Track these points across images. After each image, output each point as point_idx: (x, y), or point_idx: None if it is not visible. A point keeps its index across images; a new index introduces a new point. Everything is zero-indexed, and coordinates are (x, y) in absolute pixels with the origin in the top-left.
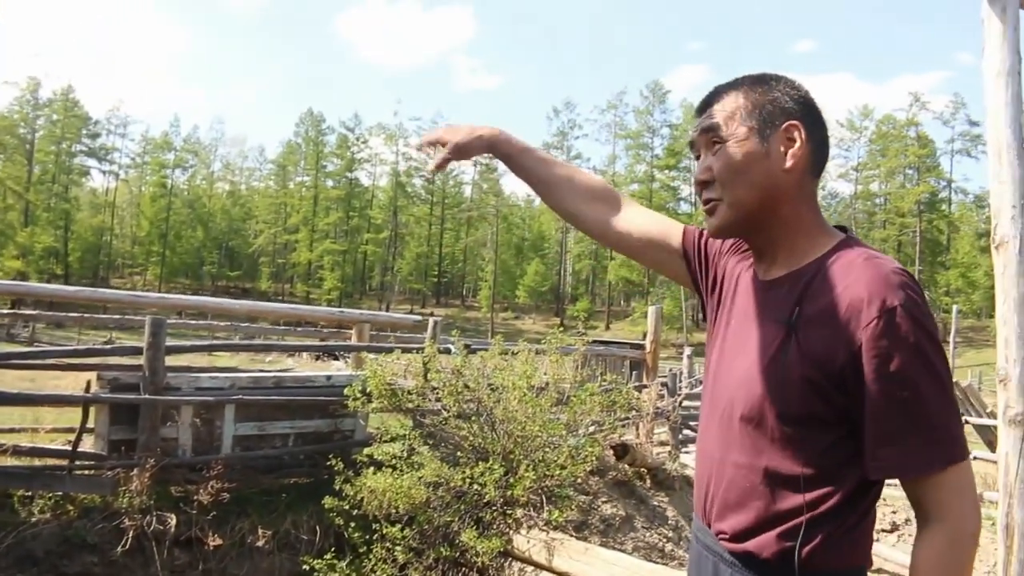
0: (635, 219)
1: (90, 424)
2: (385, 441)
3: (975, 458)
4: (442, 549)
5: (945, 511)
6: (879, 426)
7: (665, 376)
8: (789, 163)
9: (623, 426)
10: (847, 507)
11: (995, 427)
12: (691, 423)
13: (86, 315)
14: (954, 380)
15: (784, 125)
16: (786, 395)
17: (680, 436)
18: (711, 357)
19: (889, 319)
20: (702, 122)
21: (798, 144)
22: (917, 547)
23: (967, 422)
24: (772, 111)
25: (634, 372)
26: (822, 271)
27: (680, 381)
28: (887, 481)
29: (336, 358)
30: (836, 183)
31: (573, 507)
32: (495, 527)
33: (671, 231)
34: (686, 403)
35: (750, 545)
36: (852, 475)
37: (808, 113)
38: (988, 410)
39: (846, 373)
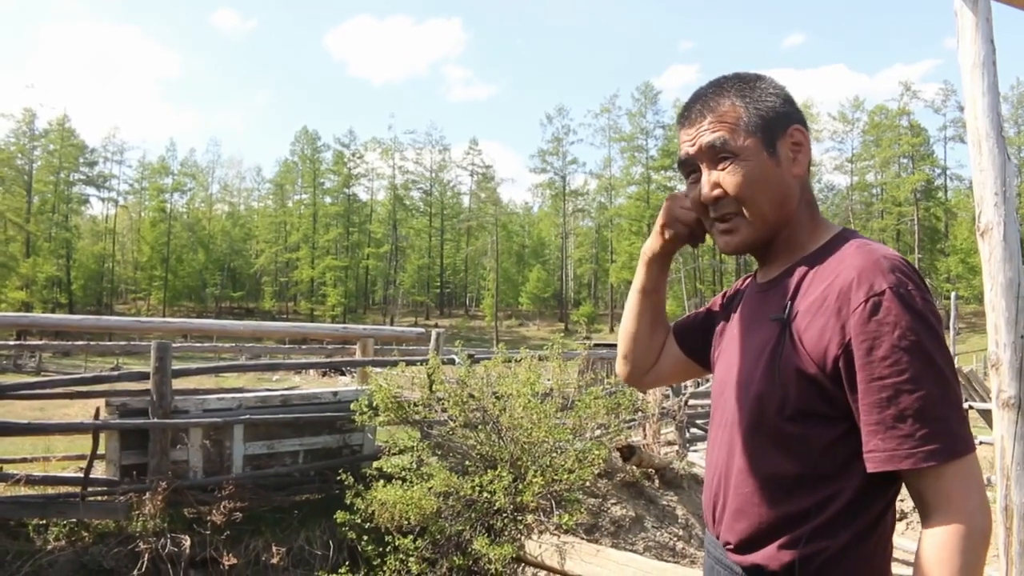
0: (663, 363)
1: (101, 450)
2: (394, 454)
3: (980, 443)
4: (455, 558)
5: (948, 507)
6: (871, 415)
7: None
8: (799, 169)
9: (629, 428)
10: (855, 511)
11: None
12: (697, 421)
13: (92, 343)
14: (956, 367)
15: (788, 130)
16: (783, 392)
17: (687, 435)
18: (716, 369)
19: (876, 303)
20: (703, 137)
21: (805, 147)
22: (921, 545)
23: (971, 407)
24: (774, 117)
25: None
26: (816, 264)
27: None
28: None
29: (343, 373)
30: (832, 175)
31: (583, 510)
32: (507, 534)
33: (672, 344)
34: (692, 402)
35: (757, 557)
36: (857, 474)
37: (799, 112)
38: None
39: (840, 364)
